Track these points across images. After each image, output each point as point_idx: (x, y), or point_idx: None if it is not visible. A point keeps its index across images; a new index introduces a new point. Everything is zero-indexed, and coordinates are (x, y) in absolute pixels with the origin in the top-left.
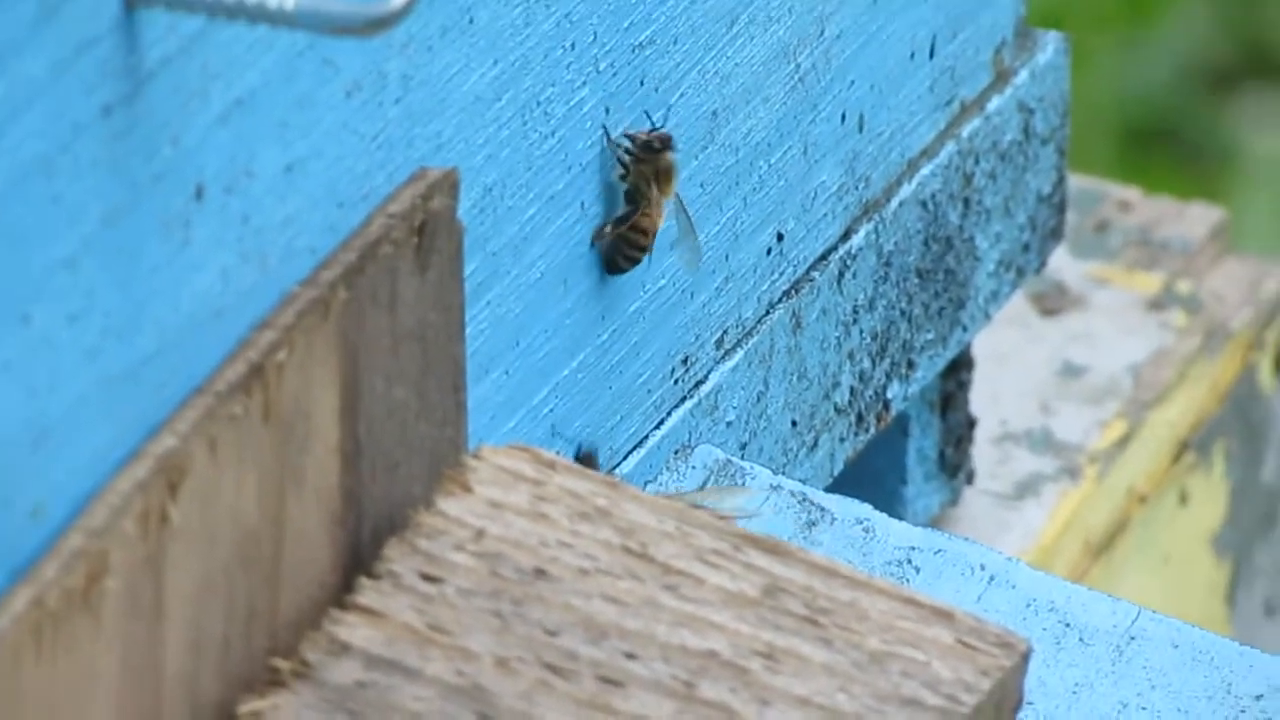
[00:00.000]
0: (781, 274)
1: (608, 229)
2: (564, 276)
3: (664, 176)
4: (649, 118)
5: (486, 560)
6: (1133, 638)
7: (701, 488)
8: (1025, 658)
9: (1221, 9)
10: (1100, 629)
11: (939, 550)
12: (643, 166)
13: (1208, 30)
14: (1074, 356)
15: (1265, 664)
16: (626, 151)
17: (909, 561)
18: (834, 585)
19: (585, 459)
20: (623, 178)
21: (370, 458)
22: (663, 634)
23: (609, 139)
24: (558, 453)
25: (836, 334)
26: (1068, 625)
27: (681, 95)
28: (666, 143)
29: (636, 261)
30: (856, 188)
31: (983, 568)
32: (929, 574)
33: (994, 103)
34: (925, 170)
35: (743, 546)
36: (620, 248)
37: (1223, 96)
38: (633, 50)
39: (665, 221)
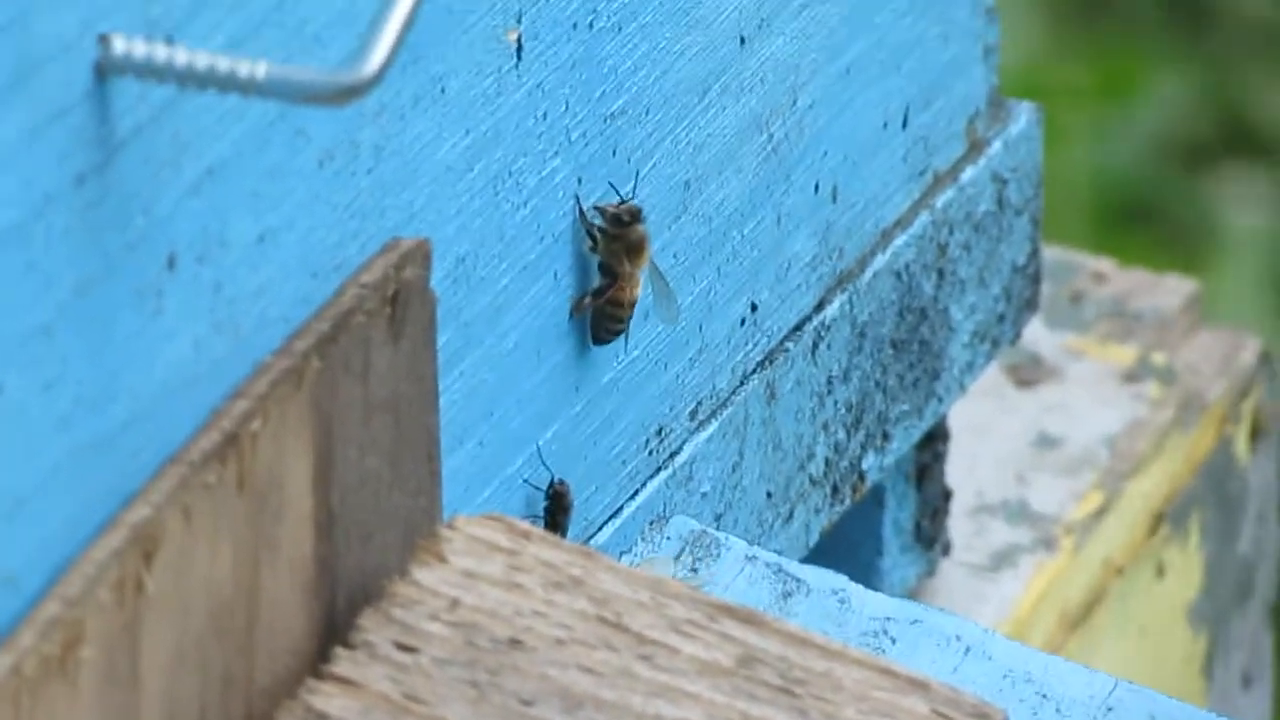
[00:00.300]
0: (755, 345)
1: (586, 300)
2: (538, 347)
3: (636, 249)
4: (616, 190)
5: (462, 630)
6: (1110, 709)
7: (677, 558)
8: None
9: (1197, 85)
10: (1077, 700)
11: (915, 621)
12: (614, 242)
13: (1184, 106)
14: (1049, 428)
15: None
16: (598, 227)
17: (885, 632)
18: (809, 655)
19: (558, 493)
20: (593, 249)
21: (344, 527)
22: (638, 704)
23: (581, 213)
24: (531, 520)
25: (811, 405)
26: (1045, 696)
27: (654, 165)
28: (636, 215)
29: (618, 333)
30: (830, 258)
31: (959, 638)
32: (905, 645)
33: (968, 173)
34: (899, 241)
35: (717, 616)
36: (600, 321)
37: (1199, 172)
38: (605, 120)
39: (642, 290)
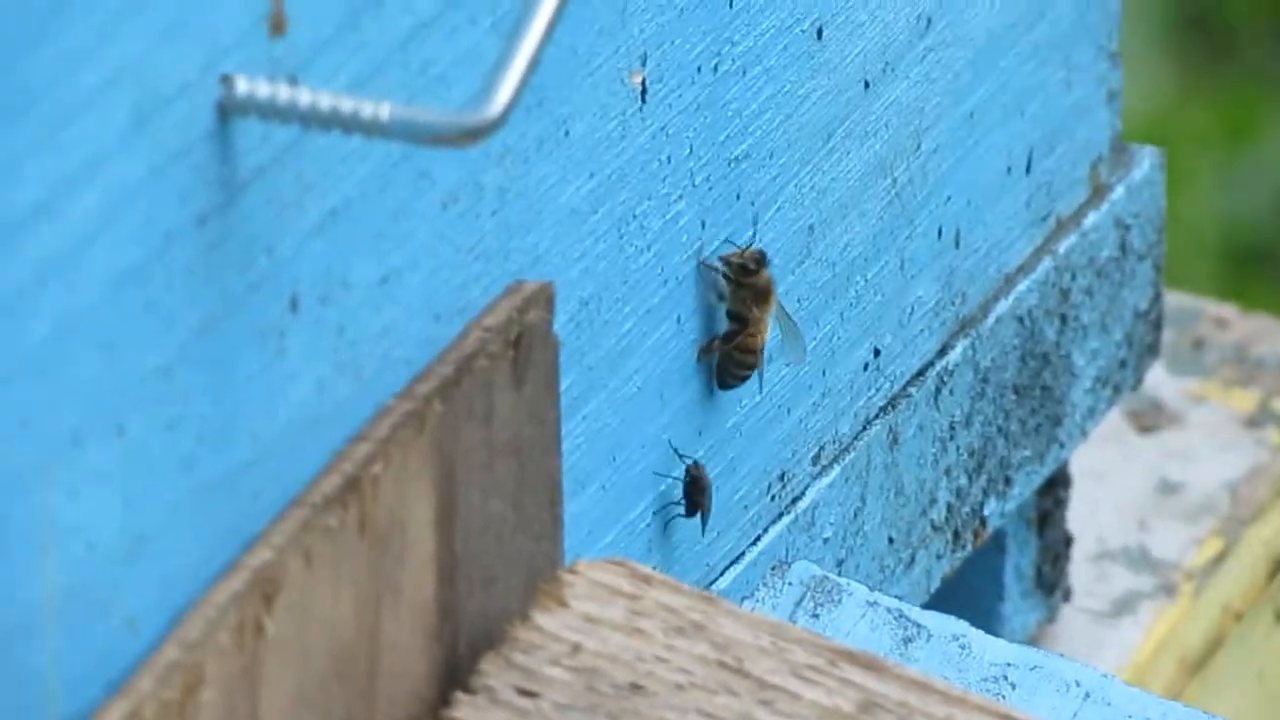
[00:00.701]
0: (878, 390)
1: (715, 344)
2: (660, 391)
3: (763, 295)
4: (733, 244)
5: (582, 675)
6: None
7: (798, 604)
8: None
9: None
10: None
11: (1035, 667)
12: (741, 289)
13: None
14: (1170, 474)
15: None
16: (724, 276)
17: (1005, 678)
18: (929, 701)
19: (695, 476)
20: (721, 298)
21: (466, 571)
22: None
23: (704, 266)
24: (670, 506)
25: (933, 450)
26: None
27: (778, 209)
28: (761, 261)
29: (746, 379)
30: (953, 303)
31: (1078, 684)
32: (1025, 690)
33: (1090, 218)
34: (1022, 286)
35: (838, 662)
36: (729, 367)
37: None
38: (729, 164)
39: (771, 334)
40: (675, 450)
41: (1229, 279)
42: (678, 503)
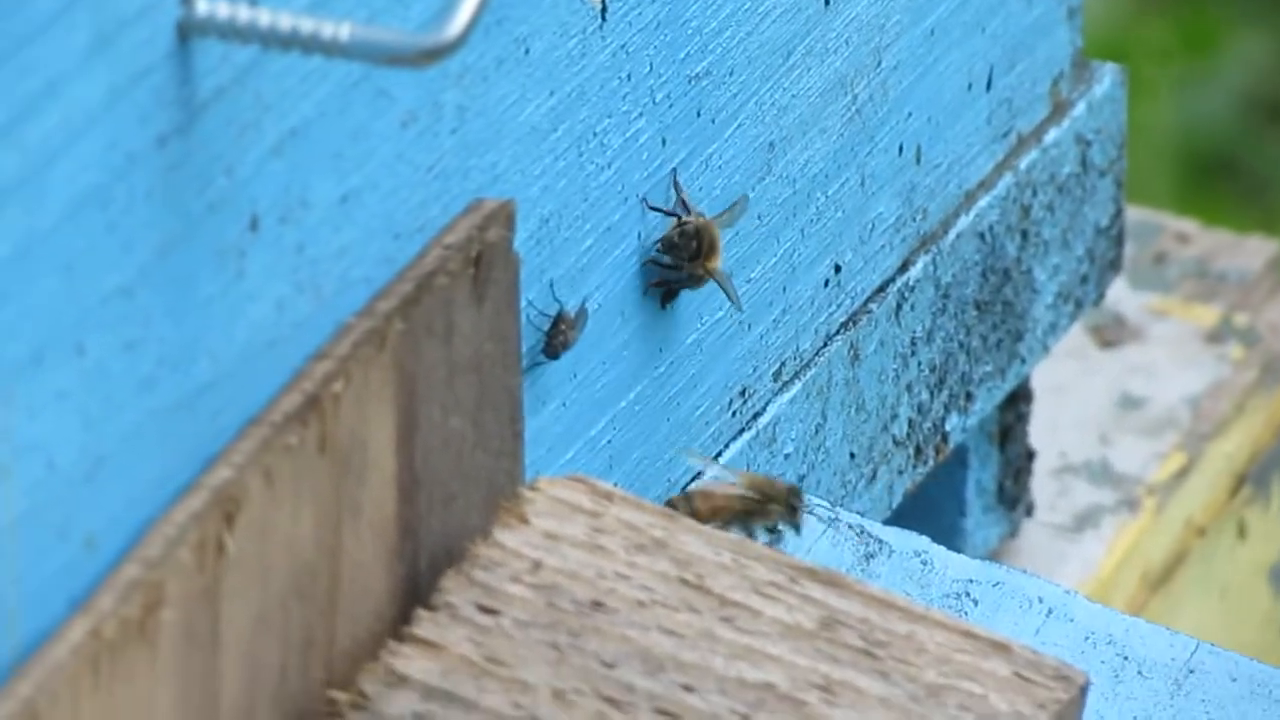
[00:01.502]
0: (839, 306)
1: (660, 283)
2: (621, 308)
3: (710, 252)
4: (658, 209)
5: (543, 592)
6: (1191, 671)
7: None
8: (1083, 691)
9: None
10: (1159, 662)
11: (997, 583)
12: (692, 264)
13: (1268, 61)
14: (1132, 388)
15: None
16: (673, 268)
17: (967, 594)
18: (891, 618)
19: (561, 315)
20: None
21: (427, 489)
22: (720, 666)
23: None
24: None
25: (894, 366)
26: (1126, 658)
27: (738, 126)
28: (699, 236)
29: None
30: (914, 219)
31: (1041, 600)
32: (987, 607)
33: (1051, 135)
34: (983, 202)
35: (799, 578)
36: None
37: None
38: (689, 81)
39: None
40: (554, 293)
41: (1189, 191)
42: (541, 348)
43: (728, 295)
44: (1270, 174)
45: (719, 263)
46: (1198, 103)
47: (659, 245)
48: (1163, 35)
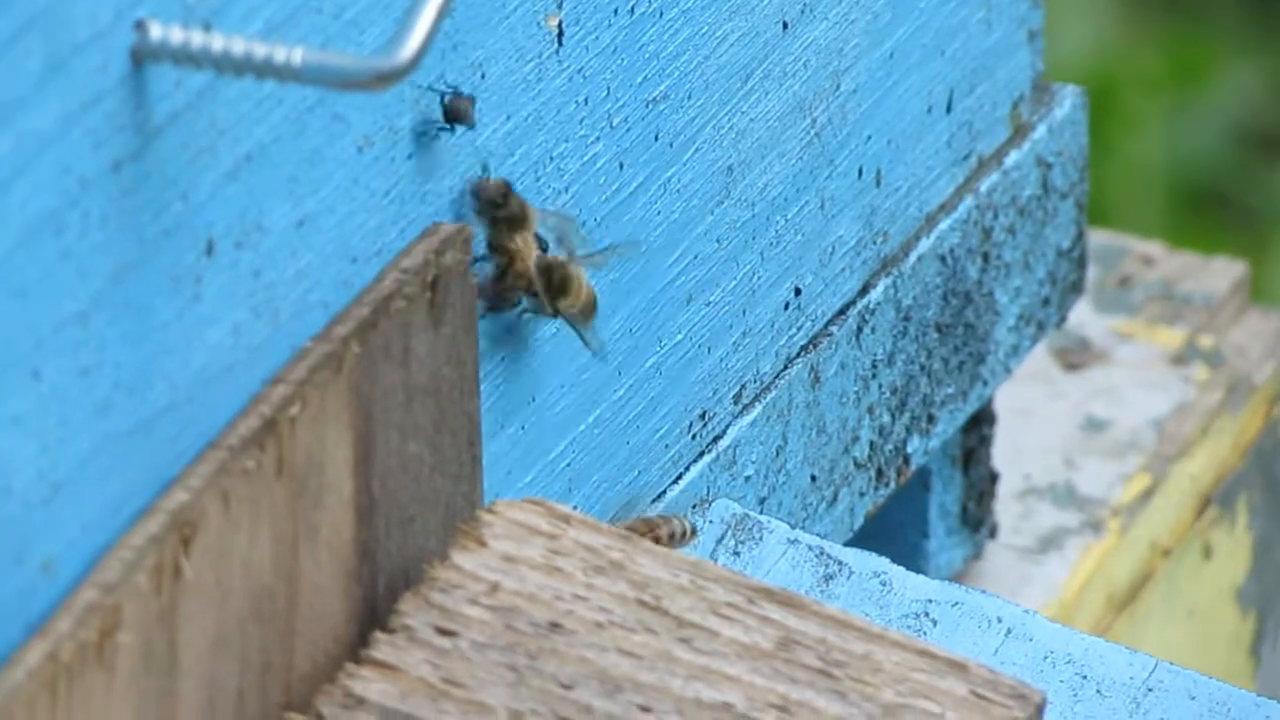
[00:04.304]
0: (799, 329)
1: (490, 287)
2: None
3: (519, 222)
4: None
5: (501, 614)
6: (1150, 689)
7: (719, 542)
8: (1040, 709)
9: (1271, 72)
10: (1118, 681)
11: (956, 603)
12: (498, 223)
13: (1259, 93)
14: (1097, 411)
15: None
16: (476, 213)
17: (926, 614)
18: (848, 638)
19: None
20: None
21: (385, 512)
22: (678, 687)
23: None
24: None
25: (855, 389)
26: (1085, 677)
27: (696, 150)
28: (506, 191)
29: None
30: (874, 242)
31: (1000, 620)
32: (946, 627)
33: (1012, 157)
34: (943, 225)
35: (757, 599)
36: (508, 297)
37: (1272, 159)
38: (646, 105)
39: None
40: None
41: (1179, 223)
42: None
43: (582, 340)
44: (1261, 206)
45: (576, 305)
46: (1188, 134)
47: (469, 191)
48: (1153, 66)
